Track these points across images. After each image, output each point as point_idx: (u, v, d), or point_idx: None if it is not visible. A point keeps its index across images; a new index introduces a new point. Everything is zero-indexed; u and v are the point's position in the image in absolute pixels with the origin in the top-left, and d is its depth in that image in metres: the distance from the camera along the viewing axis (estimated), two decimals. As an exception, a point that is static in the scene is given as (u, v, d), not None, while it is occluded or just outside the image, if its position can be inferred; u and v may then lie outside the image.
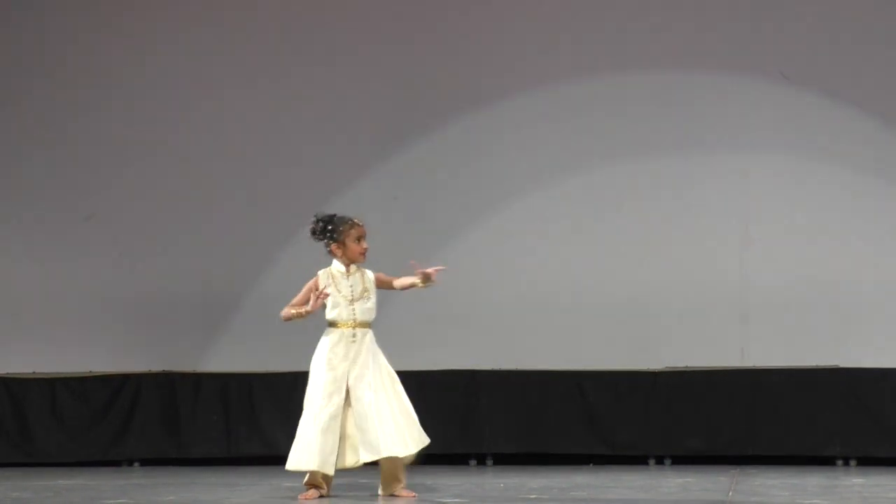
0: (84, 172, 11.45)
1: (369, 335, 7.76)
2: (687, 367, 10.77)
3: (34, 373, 11.27)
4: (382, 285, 7.86)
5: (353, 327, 7.73)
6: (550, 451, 10.75)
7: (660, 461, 10.68)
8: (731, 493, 8.01)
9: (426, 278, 7.70)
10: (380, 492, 7.80)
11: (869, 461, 10.35)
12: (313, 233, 7.83)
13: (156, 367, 11.22)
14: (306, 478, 7.82)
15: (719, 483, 8.79)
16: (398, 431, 7.63)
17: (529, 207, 11.08)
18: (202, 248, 11.34)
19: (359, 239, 7.79)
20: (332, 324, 7.76)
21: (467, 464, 10.77)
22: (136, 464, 11.09)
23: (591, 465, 10.62)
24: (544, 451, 10.75)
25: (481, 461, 10.82)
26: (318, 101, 11.30)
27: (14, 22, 11.61)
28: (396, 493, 7.74)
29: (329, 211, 7.92)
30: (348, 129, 11.25)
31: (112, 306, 11.31)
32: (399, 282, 7.83)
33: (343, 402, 7.65)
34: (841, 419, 10.47)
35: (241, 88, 11.37)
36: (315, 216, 7.85)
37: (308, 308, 7.73)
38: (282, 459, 10.95)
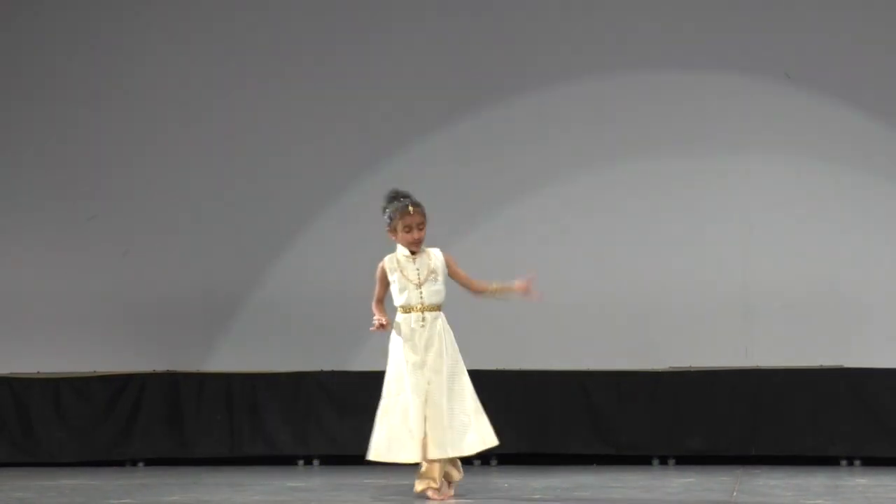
0: (88, 173, 11.46)
1: (440, 319, 7.66)
2: (690, 367, 10.76)
3: (38, 373, 11.28)
4: (456, 277, 7.71)
5: (422, 311, 7.61)
6: (554, 451, 10.75)
7: (663, 461, 10.68)
8: (734, 494, 8.01)
9: (524, 292, 7.64)
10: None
11: (873, 461, 10.34)
12: (382, 210, 7.74)
13: (160, 367, 11.22)
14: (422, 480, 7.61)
15: (723, 483, 8.79)
16: (465, 430, 7.55)
17: (532, 207, 11.08)
18: (206, 249, 11.34)
19: (409, 229, 7.63)
20: (403, 309, 7.63)
21: (471, 463, 10.76)
22: (140, 464, 11.09)
23: (595, 465, 10.62)
24: (548, 452, 10.74)
25: (485, 461, 10.81)
26: (320, 100, 11.29)
27: (16, 23, 11.61)
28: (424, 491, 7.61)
29: (401, 187, 7.80)
30: (351, 129, 11.26)
31: (116, 306, 11.32)
32: (484, 284, 7.72)
33: (413, 394, 7.49)
34: (845, 419, 10.47)
35: (243, 88, 11.38)
36: (388, 193, 7.76)
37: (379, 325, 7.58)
38: (285, 459, 11.01)
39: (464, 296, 10.92)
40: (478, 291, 7.82)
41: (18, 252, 11.50)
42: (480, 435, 7.64)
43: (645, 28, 11.02)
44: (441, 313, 7.70)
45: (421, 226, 7.68)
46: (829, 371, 10.57)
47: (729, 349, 10.75)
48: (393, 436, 7.51)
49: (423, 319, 7.63)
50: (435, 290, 7.66)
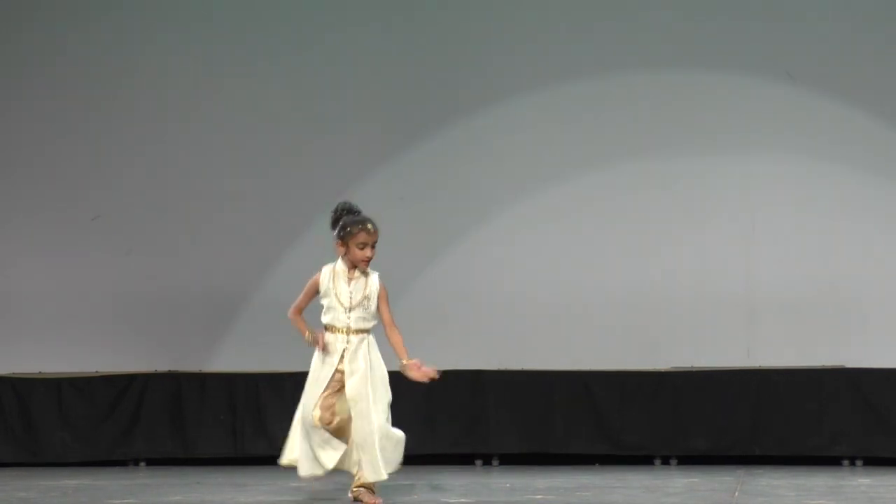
0: (90, 172, 11.46)
1: (366, 341, 7.47)
2: (693, 367, 10.77)
3: (40, 373, 11.28)
4: (380, 313, 7.47)
5: (347, 333, 7.46)
6: (556, 451, 10.75)
7: (666, 461, 10.68)
8: (737, 494, 8.01)
9: (411, 371, 7.42)
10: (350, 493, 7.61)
11: (875, 461, 10.34)
12: (330, 221, 7.53)
13: (162, 366, 11.22)
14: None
15: (725, 483, 8.79)
16: (386, 454, 7.43)
17: (535, 207, 11.08)
18: (208, 248, 11.34)
19: (363, 245, 7.40)
20: (328, 328, 7.49)
21: (473, 464, 10.78)
22: (142, 464, 11.09)
23: (597, 465, 10.62)
24: (550, 451, 10.74)
25: (487, 461, 10.82)
26: (323, 101, 11.30)
27: (19, 22, 11.61)
28: (362, 498, 7.52)
29: (355, 203, 7.57)
30: (354, 129, 11.25)
31: (118, 306, 11.32)
32: (394, 338, 7.48)
33: (322, 394, 7.43)
34: (847, 419, 10.47)
35: (247, 88, 11.37)
36: (338, 204, 7.54)
37: (307, 339, 7.50)
38: (288, 459, 10.98)
39: (465, 295, 10.97)
40: (388, 336, 7.52)
41: (21, 252, 11.49)
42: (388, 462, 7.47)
43: (645, 28, 11.02)
44: (368, 335, 7.48)
45: (374, 245, 7.46)
46: (831, 371, 10.57)
47: (731, 349, 10.75)
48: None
49: (348, 342, 7.45)
50: (363, 317, 7.45)
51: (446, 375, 10.72)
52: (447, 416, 10.85)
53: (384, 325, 7.55)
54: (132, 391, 11.17)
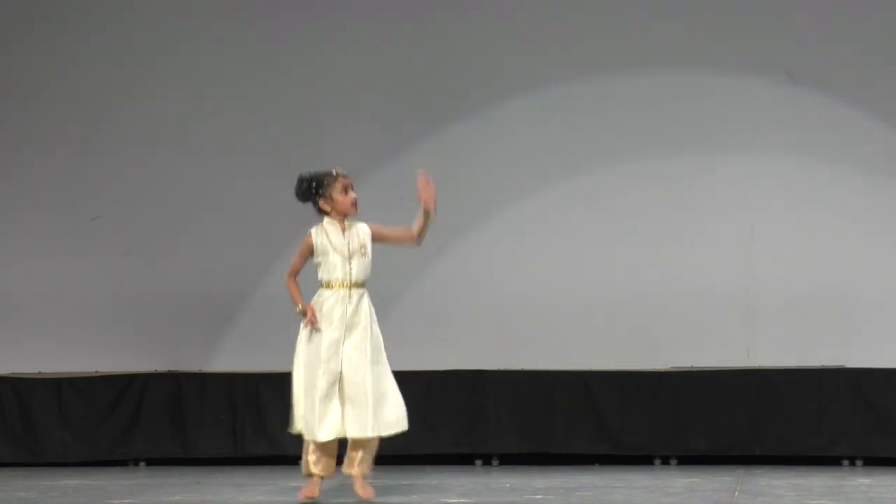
0: (90, 172, 11.46)
1: (366, 297, 7.45)
2: (693, 367, 10.77)
3: (40, 373, 11.29)
4: (382, 238, 7.54)
5: (349, 287, 7.43)
6: (556, 451, 10.75)
7: (665, 461, 10.68)
8: (736, 494, 8.01)
9: (424, 198, 7.38)
10: (344, 469, 7.55)
11: (875, 461, 10.35)
12: (298, 195, 7.55)
13: (162, 366, 11.23)
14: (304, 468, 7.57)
15: (725, 483, 8.79)
16: (389, 410, 7.37)
17: (534, 207, 11.09)
18: (208, 248, 11.35)
19: (346, 189, 7.49)
20: (327, 284, 7.45)
21: (473, 464, 10.78)
22: (142, 464, 11.10)
23: (597, 465, 10.62)
24: (550, 451, 10.75)
25: (487, 461, 10.82)
26: (322, 102, 11.30)
27: (19, 22, 11.62)
28: (358, 486, 7.48)
29: (311, 169, 7.62)
30: (353, 129, 11.26)
31: (118, 306, 11.33)
32: (398, 231, 7.50)
33: (339, 368, 7.37)
34: (847, 419, 10.47)
35: (246, 89, 11.38)
36: (298, 176, 7.58)
37: (299, 310, 7.45)
38: (288, 459, 11.01)
39: (465, 295, 10.97)
40: (417, 234, 7.50)
41: (21, 252, 11.50)
42: (398, 416, 7.42)
43: (645, 28, 11.02)
44: (366, 292, 7.47)
45: (354, 187, 7.53)
46: (830, 371, 10.58)
47: (731, 349, 10.75)
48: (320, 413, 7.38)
49: (350, 296, 7.42)
50: (363, 266, 7.43)
51: (446, 375, 10.88)
52: (447, 416, 10.85)
53: (403, 238, 7.56)
54: (132, 391, 11.18)
